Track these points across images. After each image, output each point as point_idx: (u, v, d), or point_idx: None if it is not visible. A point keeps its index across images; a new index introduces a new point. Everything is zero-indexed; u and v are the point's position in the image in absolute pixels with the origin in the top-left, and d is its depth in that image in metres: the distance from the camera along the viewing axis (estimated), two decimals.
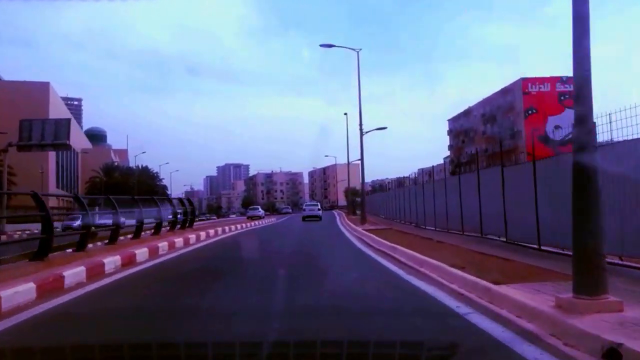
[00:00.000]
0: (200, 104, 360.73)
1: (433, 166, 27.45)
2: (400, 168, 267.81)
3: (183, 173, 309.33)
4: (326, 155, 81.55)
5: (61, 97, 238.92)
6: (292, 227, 31.05)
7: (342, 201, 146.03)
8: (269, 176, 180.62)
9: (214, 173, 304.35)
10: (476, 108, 74.39)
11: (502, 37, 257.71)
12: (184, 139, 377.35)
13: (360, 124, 31.58)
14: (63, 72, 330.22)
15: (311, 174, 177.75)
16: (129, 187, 74.26)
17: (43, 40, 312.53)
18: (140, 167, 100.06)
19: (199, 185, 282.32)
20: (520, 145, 58.52)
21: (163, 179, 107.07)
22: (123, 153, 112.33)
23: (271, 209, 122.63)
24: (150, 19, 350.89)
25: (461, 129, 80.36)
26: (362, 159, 33.37)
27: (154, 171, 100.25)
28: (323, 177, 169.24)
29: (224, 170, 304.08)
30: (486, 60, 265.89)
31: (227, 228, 25.12)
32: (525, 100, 60.01)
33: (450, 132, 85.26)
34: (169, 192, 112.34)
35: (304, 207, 45.82)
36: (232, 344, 2.77)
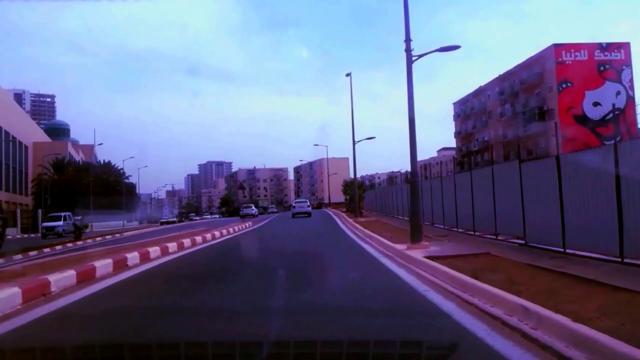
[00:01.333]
0: (185, 102, 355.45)
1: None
2: (391, 163, 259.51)
3: (165, 172, 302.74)
4: (315, 145, 73.75)
5: (32, 94, 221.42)
6: (290, 237, 21.71)
7: (334, 197, 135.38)
8: (252, 173, 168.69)
9: (195, 171, 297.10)
10: (491, 86, 63.92)
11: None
12: (166, 137, 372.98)
13: (353, 137, 36.25)
14: (38, 70, 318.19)
15: (297, 170, 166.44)
16: (84, 186, 62.74)
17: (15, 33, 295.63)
18: (103, 162, 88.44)
19: (182, 184, 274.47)
20: (550, 127, 48.13)
21: (130, 176, 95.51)
22: (88, 149, 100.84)
23: (236, 211, 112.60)
24: (143, 19, 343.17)
25: (471, 112, 69.89)
26: (354, 169, 39.11)
27: (119, 167, 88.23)
28: (310, 172, 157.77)
29: (205, 168, 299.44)
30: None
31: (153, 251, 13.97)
32: (558, 72, 49.63)
33: (457, 117, 74.79)
34: (138, 192, 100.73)
35: (293, 204, 47.07)
36: (232, 343, 2.73)
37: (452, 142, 79.01)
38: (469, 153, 69.23)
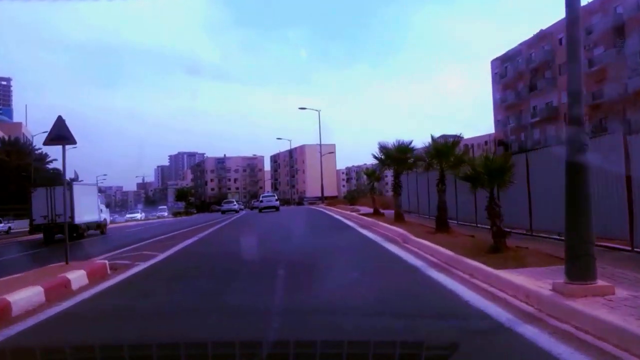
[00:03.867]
0: (160, 95, 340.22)
1: None
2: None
3: (137, 164, 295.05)
4: (278, 138, 65.80)
5: None
6: None
7: (316, 191, 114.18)
8: (221, 161, 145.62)
9: (166, 163, 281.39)
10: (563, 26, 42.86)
11: None
12: (137, 129, 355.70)
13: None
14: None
15: (274, 158, 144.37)
16: None
17: None
18: (7, 139, 65.69)
19: (152, 177, 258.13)
20: None
21: (54, 159, 72.55)
22: (15, 127, 79.48)
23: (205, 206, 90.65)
24: (117, 12, 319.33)
25: (525, 69, 48.80)
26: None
27: (37, 148, 66.09)
28: (289, 161, 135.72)
29: (176, 159, 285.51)
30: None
31: None
32: None
33: (499, 78, 53.65)
34: (72, 178, 78.08)
35: (260, 199, 44.12)
36: (232, 343, 2.67)
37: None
38: (520, 128, 48.41)
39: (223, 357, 2.60)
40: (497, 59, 54.12)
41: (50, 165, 75.35)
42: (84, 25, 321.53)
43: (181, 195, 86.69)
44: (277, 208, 39.60)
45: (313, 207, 43.55)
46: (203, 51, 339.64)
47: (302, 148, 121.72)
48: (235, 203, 52.01)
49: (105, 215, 28.33)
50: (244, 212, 48.71)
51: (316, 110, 48.67)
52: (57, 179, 27.56)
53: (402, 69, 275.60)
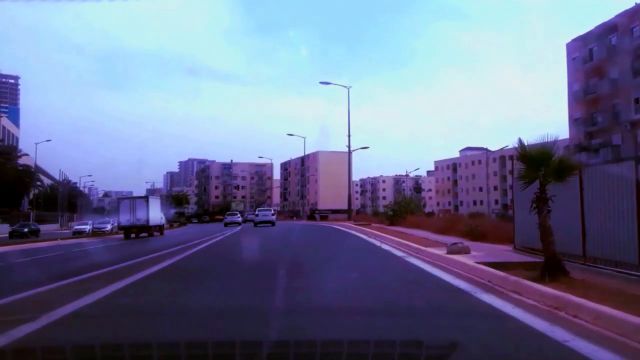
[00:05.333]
0: (174, 100, 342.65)
1: None
2: (394, 168, 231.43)
3: (148, 169, 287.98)
4: (289, 134, 60.32)
5: None
6: None
7: (329, 202, 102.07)
8: (227, 167, 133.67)
9: (175, 169, 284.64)
10: None
11: None
12: (155, 135, 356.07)
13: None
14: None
15: (284, 166, 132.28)
16: None
17: None
18: None
19: (161, 183, 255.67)
20: None
21: (25, 154, 62.45)
22: None
23: (209, 216, 78.67)
24: (132, 17, 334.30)
25: (628, 45, 36.13)
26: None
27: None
28: (300, 169, 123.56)
29: (186, 165, 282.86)
30: None
31: None
32: None
33: (582, 63, 40.91)
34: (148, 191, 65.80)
35: (256, 212, 44.09)
36: (232, 343, 2.69)
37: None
38: (604, 129, 35.87)
39: (223, 357, 2.57)
40: (578, 39, 41.55)
41: (21, 161, 64.36)
42: (103, 31, 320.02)
43: (177, 202, 75.15)
44: (272, 223, 39.15)
45: (336, 226, 30.99)
46: (218, 57, 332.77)
47: (315, 155, 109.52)
48: (238, 216, 50.69)
49: (163, 220, 33.46)
50: (239, 228, 39.03)
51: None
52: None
53: (415, 77, 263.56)
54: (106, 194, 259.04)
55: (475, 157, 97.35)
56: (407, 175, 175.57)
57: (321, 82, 37.80)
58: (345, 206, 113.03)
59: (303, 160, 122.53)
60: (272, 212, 43.51)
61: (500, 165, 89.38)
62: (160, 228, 31.11)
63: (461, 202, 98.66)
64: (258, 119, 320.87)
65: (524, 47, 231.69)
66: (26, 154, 68.38)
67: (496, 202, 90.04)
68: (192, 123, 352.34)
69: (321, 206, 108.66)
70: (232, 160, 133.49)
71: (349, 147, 38.54)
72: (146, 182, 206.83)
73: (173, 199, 79.38)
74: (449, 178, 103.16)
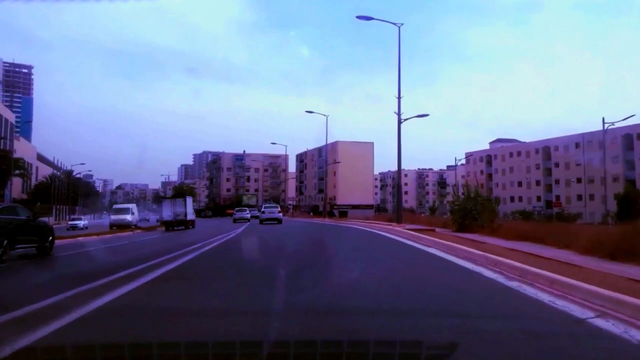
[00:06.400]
0: (188, 95, 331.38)
1: None
2: (414, 161, 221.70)
3: (163, 162, 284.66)
4: (308, 112, 50.17)
5: (6, 62, 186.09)
6: None
7: (348, 197, 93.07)
8: (239, 158, 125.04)
9: (190, 162, 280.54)
10: None
11: None
12: (170, 130, 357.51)
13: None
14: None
15: (300, 158, 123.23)
16: None
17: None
18: None
19: (175, 175, 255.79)
20: None
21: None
22: None
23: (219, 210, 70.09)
24: (147, 17, 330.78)
25: None
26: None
27: None
28: (318, 160, 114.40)
29: (200, 158, 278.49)
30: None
31: None
32: None
33: None
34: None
35: (262, 209, 43.13)
36: (232, 343, 2.68)
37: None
38: None
39: (223, 356, 2.57)
40: None
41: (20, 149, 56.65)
42: (127, 30, 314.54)
43: (179, 194, 66.68)
44: (279, 220, 38.67)
45: (378, 230, 20.73)
46: (235, 53, 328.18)
47: (334, 145, 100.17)
48: (247, 212, 49.79)
49: (194, 215, 37.29)
50: (246, 224, 35.71)
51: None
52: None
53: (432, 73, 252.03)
54: (120, 187, 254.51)
55: (512, 148, 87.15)
56: (430, 169, 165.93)
57: (359, 17, 25.77)
58: (367, 201, 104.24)
59: (320, 151, 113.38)
60: (278, 209, 43.11)
61: (544, 157, 79.12)
62: (192, 222, 34.33)
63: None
64: (273, 110, 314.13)
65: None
66: (17, 138, 61.59)
67: (538, 198, 79.86)
68: (209, 117, 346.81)
69: (340, 201, 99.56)
70: (244, 151, 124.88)
71: (399, 112, 24.96)
72: (161, 175, 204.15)
73: (174, 190, 70.60)
74: (482, 171, 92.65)
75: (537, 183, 79.99)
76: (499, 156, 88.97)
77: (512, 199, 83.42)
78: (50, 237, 13.59)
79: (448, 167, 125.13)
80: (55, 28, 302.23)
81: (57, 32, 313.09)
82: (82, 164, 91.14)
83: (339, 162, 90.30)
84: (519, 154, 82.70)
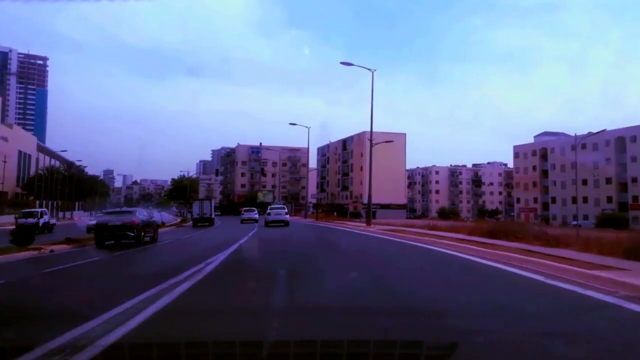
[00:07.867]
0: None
1: None
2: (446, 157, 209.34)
3: (182, 157, 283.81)
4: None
5: (21, 54, 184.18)
6: None
7: (381, 196, 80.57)
8: (255, 151, 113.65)
9: (208, 157, 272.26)
10: None
11: None
12: (193, 125, 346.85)
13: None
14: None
15: (322, 151, 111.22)
16: None
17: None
18: None
19: (193, 171, 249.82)
20: None
21: None
22: None
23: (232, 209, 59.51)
24: (157, 18, 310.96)
25: None
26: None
27: None
28: (342, 154, 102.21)
29: (219, 154, 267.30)
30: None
31: None
32: None
33: None
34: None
35: (268, 210, 41.17)
36: (233, 342, 2.72)
37: None
38: None
39: (223, 356, 2.55)
40: None
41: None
42: (149, 30, 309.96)
43: (178, 189, 55.57)
44: (286, 223, 37.13)
45: (453, 251, 9.93)
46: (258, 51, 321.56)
47: (360, 137, 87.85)
48: (255, 212, 48.66)
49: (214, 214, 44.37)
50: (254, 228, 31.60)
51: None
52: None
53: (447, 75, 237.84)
54: (135, 182, 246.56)
55: (574, 140, 73.69)
56: (464, 166, 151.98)
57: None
58: (398, 200, 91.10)
59: (345, 143, 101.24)
60: (286, 211, 41.52)
61: (618, 149, 65.59)
62: (213, 220, 41.25)
63: (553, 199, 75.03)
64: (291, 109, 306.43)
65: None
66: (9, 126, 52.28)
67: (609, 199, 66.44)
68: (231, 114, 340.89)
69: (366, 199, 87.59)
70: (261, 144, 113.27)
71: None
72: (180, 171, 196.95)
73: (173, 184, 59.37)
74: (534, 167, 79.21)
75: (608, 181, 66.56)
76: (557, 149, 75.25)
77: (573, 199, 69.96)
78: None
79: (488, 163, 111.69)
80: (86, 28, 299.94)
81: (87, 33, 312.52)
82: (80, 161, 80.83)
83: (376, 144, 78.35)
84: (583, 146, 69.34)
